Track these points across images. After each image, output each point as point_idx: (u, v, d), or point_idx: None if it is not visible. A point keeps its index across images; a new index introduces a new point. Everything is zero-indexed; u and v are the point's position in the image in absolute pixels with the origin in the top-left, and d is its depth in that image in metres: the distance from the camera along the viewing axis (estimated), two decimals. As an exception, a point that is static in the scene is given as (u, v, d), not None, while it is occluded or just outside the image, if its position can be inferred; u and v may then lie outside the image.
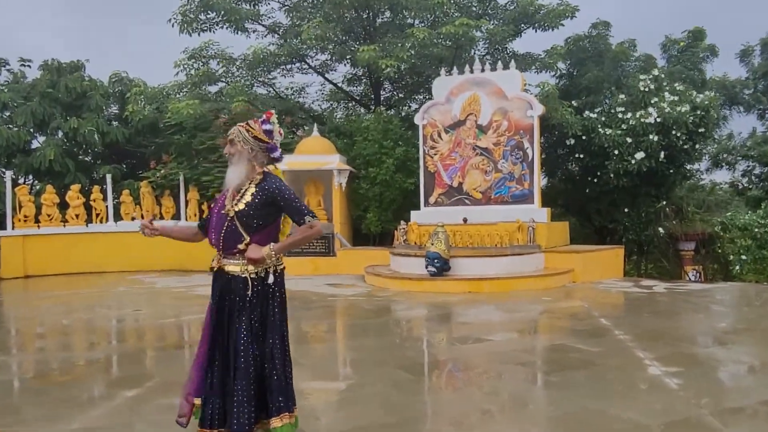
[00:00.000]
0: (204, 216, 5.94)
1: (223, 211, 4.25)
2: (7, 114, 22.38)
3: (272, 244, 4.17)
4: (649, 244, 20.03)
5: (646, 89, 18.60)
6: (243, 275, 4.15)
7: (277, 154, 4.38)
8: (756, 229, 15.85)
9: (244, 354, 4.11)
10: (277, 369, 4.20)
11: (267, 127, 4.35)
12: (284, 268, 4.40)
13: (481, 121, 16.64)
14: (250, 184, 4.24)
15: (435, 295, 12.80)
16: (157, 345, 8.71)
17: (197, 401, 4.35)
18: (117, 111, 23.61)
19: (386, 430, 5.00)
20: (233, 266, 4.19)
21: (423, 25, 20.12)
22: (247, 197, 4.19)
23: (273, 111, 4.56)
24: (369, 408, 4.92)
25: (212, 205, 4.60)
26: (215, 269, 4.36)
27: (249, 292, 4.15)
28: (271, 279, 4.21)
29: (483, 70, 16.79)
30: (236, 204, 4.20)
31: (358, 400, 5.65)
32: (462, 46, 18.81)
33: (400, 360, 7.16)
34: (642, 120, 17.79)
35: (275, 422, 4.13)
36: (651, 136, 17.69)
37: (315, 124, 19.68)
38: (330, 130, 20.90)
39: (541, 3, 20.05)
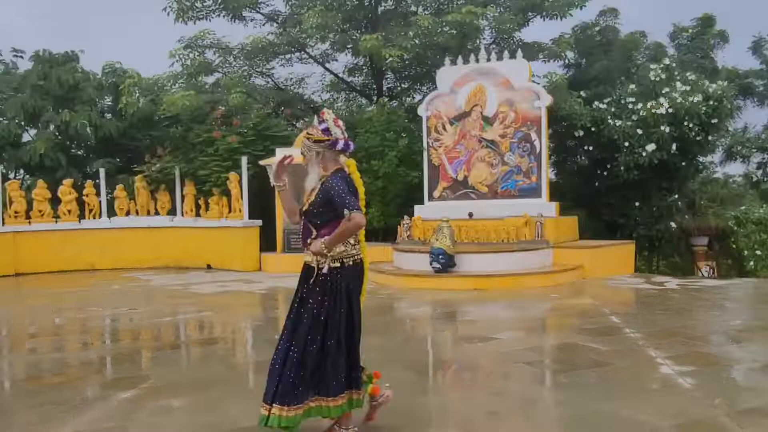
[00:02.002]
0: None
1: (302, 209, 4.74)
2: (-2, 107, 22.42)
3: (326, 237, 4.50)
4: (660, 239, 20.03)
5: (657, 79, 18.61)
6: (312, 265, 4.61)
7: (340, 145, 4.63)
8: (771, 224, 15.84)
9: (295, 337, 4.56)
10: (325, 360, 4.57)
11: (323, 126, 4.66)
12: (354, 263, 4.76)
13: (487, 113, 16.64)
14: (318, 183, 4.64)
15: (440, 292, 12.81)
16: (153, 345, 8.71)
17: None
18: (110, 103, 23.59)
19: (396, 426, 5.02)
20: (307, 257, 4.69)
21: (427, 12, 20.10)
22: (312, 197, 4.64)
23: (326, 109, 4.87)
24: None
25: None
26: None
27: (311, 281, 4.58)
28: (325, 269, 4.53)
29: (489, 60, 16.80)
30: (305, 204, 4.68)
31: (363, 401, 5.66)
32: (467, 34, 18.78)
33: (405, 360, 7.14)
34: (653, 111, 17.78)
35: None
36: (662, 128, 17.69)
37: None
38: (331, 122, 20.87)
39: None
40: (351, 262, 4.69)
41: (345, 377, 4.60)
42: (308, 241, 4.64)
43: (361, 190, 4.75)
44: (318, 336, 4.53)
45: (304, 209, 4.72)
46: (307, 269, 4.69)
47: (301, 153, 4.78)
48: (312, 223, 4.65)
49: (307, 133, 4.74)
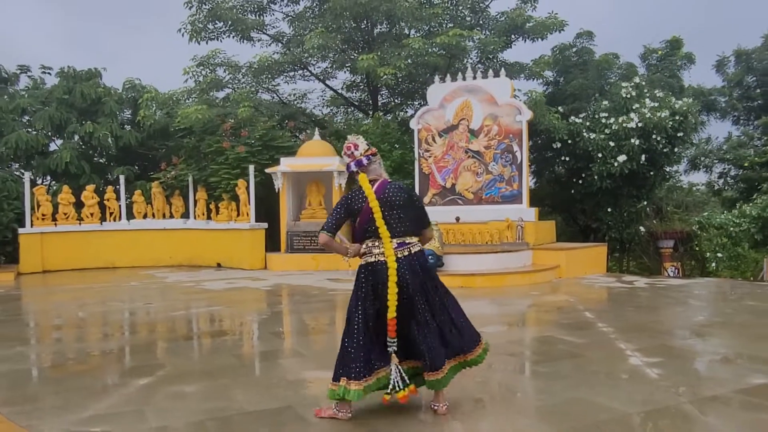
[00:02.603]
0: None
1: None
2: (27, 118, 22.34)
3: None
4: (630, 242, 20.07)
5: (628, 96, 18.66)
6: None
7: (351, 168, 5.02)
8: (731, 228, 15.89)
9: None
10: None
11: (346, 156, 5.07)
12: (365, 263, 4.90)
13: (473, 126, 16.66)
14: None
15: (429, 289, 12.78)
16: (168, 336, 8.69)
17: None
18: (130, 116, 23.58)
19: (385, 414, 5.00)
20: None
21: (418, 35, 20.11)
22: None
23: (350, 138, 5.18)
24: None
25: None
26: None
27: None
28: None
29: (475, 78, 16.82)
30: None
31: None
32: (455, 55, 18.84)
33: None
34: (624, 125, 17.84)
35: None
36: (632, 140, 17.74)
37: (316, 128, 19.68)
38: (330, 133, 20.88)
39: (530, 15, 20.11)
40: (361, 264, 4.90)
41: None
42: None
43: (371, 197, 4.78)
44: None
45: None
46: None
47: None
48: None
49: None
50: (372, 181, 4.89)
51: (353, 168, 4.97)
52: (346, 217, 4.94)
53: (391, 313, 4.65)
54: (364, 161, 4.95)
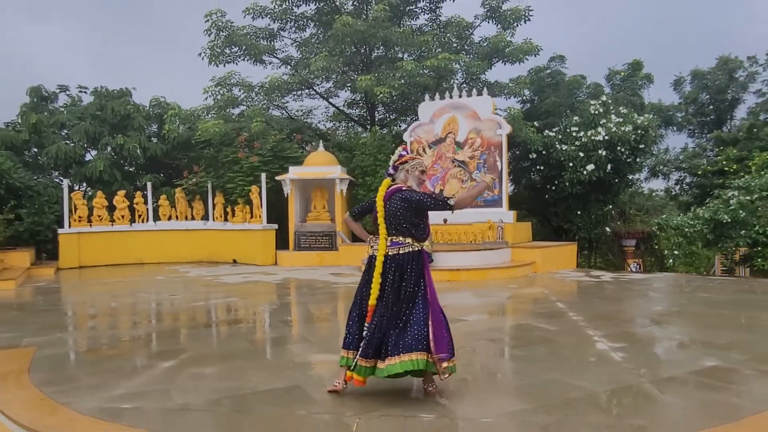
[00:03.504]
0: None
1: None
2: (65, 132, 22.35)
3: None
4: (597, 241, 20.11)
5: (596, 112, 18.70)
6: None
7: (389, 171, 5.27)
8: (686, 229, 15.89)
9: None
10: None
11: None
12: (368, 256, 5.06)
13: (458, 139, 16.68)
14: None
15: (420, 283, 12.79)
16: (189, 324, 8.69)
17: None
18: (156, 130, 23.59)
19: (383, 394, 5.01)
20: None
21: (410, 58, 20.16)
22: None
23: (401, 152, 5.36)
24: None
25: None
26: None
27: None
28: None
29: (461, 96, 16.85)
30: None
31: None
32: (443, 76, 18.87)
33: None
34: (592, 138, 17.88)
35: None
36: (600, 151, 17.78)
37: (321, 141, 19.69)
38: (333, 145, 20.90)
39: (509, 41, 20.13)
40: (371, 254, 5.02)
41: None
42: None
43: (378, 200, 5.01)
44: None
45: None
46: None
47: None
48: None
49: None
50: (392, 186, 5.04)
51: (388, 171, 5.27)
52: (368, 211, 5.17)
53: (372, 301, 4.79)
54: (391, 170, 5.22)
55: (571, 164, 18.20)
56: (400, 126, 23.65)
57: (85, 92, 23.91)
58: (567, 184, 18.47)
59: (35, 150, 22.23)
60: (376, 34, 19.26)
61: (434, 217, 15.99)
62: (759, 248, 14.55)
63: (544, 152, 18.85)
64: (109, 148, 21.81)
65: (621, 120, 18.21)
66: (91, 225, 18.54)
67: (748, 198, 15.34)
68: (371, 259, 4.95)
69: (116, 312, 9.86)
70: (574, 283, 12.87)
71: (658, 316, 8.71)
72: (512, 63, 20.44)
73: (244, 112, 21.14)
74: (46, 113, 22.41)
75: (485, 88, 17.83)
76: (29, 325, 8.59)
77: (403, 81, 18.62)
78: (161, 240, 19.13)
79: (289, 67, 22.32)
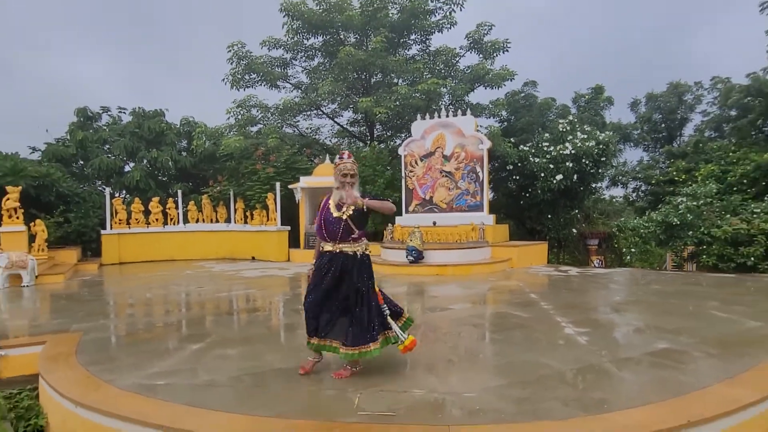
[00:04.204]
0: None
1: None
2: (107, 147, 22.33)
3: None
4: (565, 240, 20.13)
5: (564, 129, 18.75)
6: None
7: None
8: (642, 230, 15.92)
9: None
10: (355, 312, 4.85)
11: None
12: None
13: (446, 153, 16.67)
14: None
15: (412, 276, 12.83)
16: (214, 311, 8.69)
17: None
18: (185, 145, 23.57)
19: (379, 373, 5.02)
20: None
21: (404, 83, 20.17)
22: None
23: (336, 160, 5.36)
24: (366, 359, 4.92)
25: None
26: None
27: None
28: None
29: (447, 116, 16.85)
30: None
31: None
32: (432, 98, 18.88)
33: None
34: (560, 152, 17.92)
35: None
36: (567, 163, 17.83)
37: (327, 155, 19.71)
38: (338, 158, 20.89)
39: (489, 68, 20.18)
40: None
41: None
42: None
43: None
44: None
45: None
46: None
47: (354, 173, 5.31)
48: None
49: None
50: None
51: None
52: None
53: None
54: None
55: (542, 174, 18.23)
56: (395, 142, 23.68)
57: (124, 112, 23.92)
58: (539, 191, 18.50)
59: (81, 162, 22.19)
60: (375, 63, 19.29)
61: (425, 220, 16.08)
62: (704, 246, 14.59)
63: (519, 164, 18.89)
64: (145, 161, 21.80)
65: (585, 136, 18.25)
66: (129, 227, 18.54)
67: (694, 203, 15.38)
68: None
69: (151, 301, 9.86)
70: (545, 276, 12.89)
71: (617, 305, 8.74)
72: (492, 87, 20.48)
73: (261, 130, 21.16)
74: (90, 131, 22.38)
75: (469, 109, 17.87)
76: (76, 313, 8.60)
77: (397, 103, 18.67)
78: (190, 240, 19.13)
79: (299, 91, 22.34)
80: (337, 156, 5.19)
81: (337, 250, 4.91)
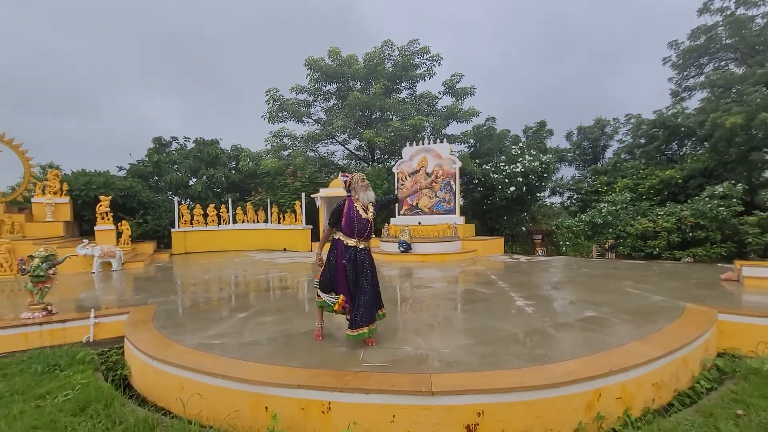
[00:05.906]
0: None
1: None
2: (176, 166, 22.26)
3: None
4: (517, 236, 20.13)
5: (515, 153, 18.76)
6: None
7: (348, 192, 4.99)
8: (574, 228, 15.90)
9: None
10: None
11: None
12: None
13: (428, 170, 16.64)
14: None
15: (403, 263, 12.82)
16: (256, 289, 8.68)
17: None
18: (234, 165, 23.51)
19: (378, 335, 5.01)
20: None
21: (397, 119, 20.14)
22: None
23: (343, 179, 5.06)
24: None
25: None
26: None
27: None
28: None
29: (429, 143, 16.84)
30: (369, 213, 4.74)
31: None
32: (418, 130, 18.87)
33: (385, 297, 7.12)
34: (513, 170, 17.93)
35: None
36: (518, 179, 17.84)
37: (339, 172, 19.65)
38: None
39: (460, 108, 20.18)
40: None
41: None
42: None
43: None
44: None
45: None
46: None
47: (367, 184, 4.93)
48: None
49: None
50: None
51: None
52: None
53: None
54: (348, 191, 5.04)
55: (500, 187, 18.22)
56: (390, 163, 23.58)
57: (188, 141, 23.84)
58: (497, 199, 18.50)
59: (156, 178, 22.09)
60: (375, 104, 19.29)
61: (412, 220, 16.05)
62: (621, 240, 14.57)
63: (482, 179, 18.88)
64: (204, 177, 21.73)
65: (532, 158, 18.25)
66: (192, 226, 18.46)
67: (613, 208, 15.36)
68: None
69: (208, 281, 9.84)
70: (502, 263, 12.90)
71: (556, 284, 8.75)
72: (462, 122, 20.47)
73: (291, 154, 21.11)
74: (163, 154, 22.31)
75: (445, 138, 17.92)
76: (152, 290, 8.58)
77: (392, 134, 18.64)
78: (237, 235, 19.03)
79: (319, 125, 22.31)
80: (344, 174, 5.08)
81: (361, 246, 4.69)
